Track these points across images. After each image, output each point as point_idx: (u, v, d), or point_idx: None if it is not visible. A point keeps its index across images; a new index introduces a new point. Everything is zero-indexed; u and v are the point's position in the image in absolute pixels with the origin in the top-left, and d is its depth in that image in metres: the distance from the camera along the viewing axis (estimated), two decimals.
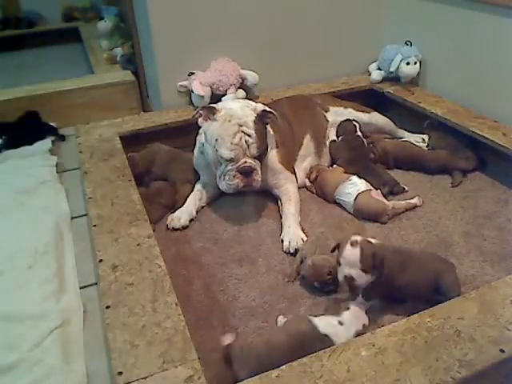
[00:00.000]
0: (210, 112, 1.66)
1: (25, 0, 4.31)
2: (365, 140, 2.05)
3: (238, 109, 1.66)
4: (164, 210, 1.80)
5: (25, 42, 4.12)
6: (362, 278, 1.24)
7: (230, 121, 1.61)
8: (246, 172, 1.61)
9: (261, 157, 1.67)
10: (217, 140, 1.62)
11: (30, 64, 3.68)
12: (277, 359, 1.08)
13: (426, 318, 1.13)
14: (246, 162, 1.60)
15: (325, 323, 1.19)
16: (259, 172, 1.64)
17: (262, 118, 1.66)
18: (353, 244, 1.25)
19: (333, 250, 1.32)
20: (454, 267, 1.39)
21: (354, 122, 2.09)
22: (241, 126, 1.60)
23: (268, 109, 1.69)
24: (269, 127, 1.80)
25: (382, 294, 1.32)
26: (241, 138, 1.59)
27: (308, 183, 1.94)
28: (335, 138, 2.10)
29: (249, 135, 1.60)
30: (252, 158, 1.62)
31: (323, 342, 1.14)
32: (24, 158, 2.07)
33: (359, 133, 2.06)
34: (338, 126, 2.10)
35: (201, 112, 1.68)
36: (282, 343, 1.16)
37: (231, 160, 1.61)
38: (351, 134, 2.04)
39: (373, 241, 1.32)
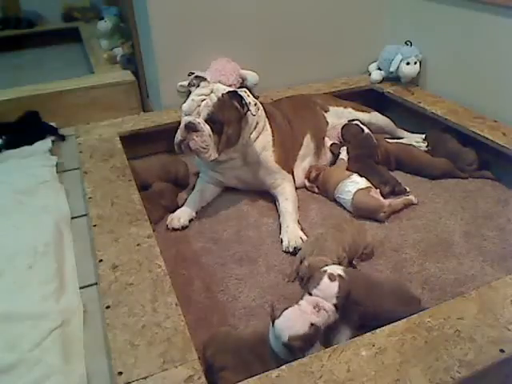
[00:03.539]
0: (200, 80, 1.72)
1: (25, 0, 4.31)
2: (373, 136, 2.04)
3: (221, 86, 1.72)
4: (164, 211, 1.80)
5: (25, 42, 4.12)
6: (332, 315, 1.16)
7: (207, 87, 1.68)
8: (189, 128, 1.62)
9: (219, 132, 1.64)
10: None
11: (30, 64, 3.68)
12: (243, 352, 1.13)
13: (425, 318, 1.13)
14: (194, 120, 1.62)
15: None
16: (205, 139, 1.61)
17: (232, 96, 1.66)
18: (331, 278, 1.20)
19: (306, 282, 1.24)
20: (417, 305, 1.29)
21: (356, 122, 2.08)
22: (212, 92, 1.65)
23: (247, 96, 1.65)
24: (267, 126, 1.81)
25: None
26: (203, 100, 1.63)
27: (307, 183, 1.94)
28: (335, 141, 2.10)
29: (211, 100, 1.63)
30: (206, 122, 1.61)
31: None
32: (24, 158, 2.08)
33: (366, 130, 2.05)
34: (342, 132, 2.08)
35: (194, 81, 1.74)
36: (247, 338, 1.18)
37: (184, 114, 1.65)
38: (359, 135, 2.04)
39: (339, 270, 1.27)
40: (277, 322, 1.12)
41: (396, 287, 1.35)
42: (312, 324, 1.11)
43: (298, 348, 1.08)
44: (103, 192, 1.67)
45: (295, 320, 1.12)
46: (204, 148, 1.62)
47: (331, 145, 2.09)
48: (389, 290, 1.31)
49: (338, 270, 1.27)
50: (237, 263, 1.56)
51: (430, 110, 2.17)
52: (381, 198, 1.73)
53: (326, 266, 1.30)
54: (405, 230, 1.68)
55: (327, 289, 1.18)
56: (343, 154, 2.01)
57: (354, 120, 2.11)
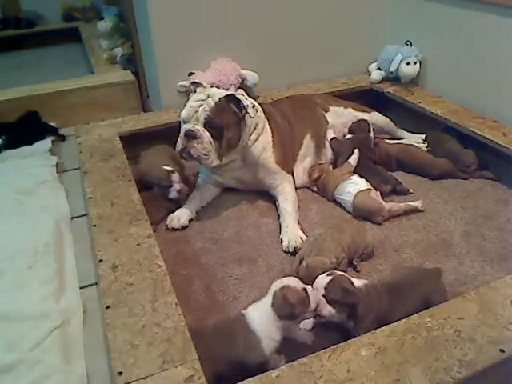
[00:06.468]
0: (197, 86, 1.72)
1: (25, 0, 4.30)
2: (372, 143, 2.05)
3: (217, 90, 1.72)
4: (167, 212, 1.79)
5: (25, 42, 4.11)
6: (330, 310, 1.21)
7: (203, 92, 1.68)
8: (189, 136, 1.62)
9: (219, 137, 1.64)
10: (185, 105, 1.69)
11: (30, 64, 3.68)
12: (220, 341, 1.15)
13: (425, 318, 1.13)
14: (193, 127, 1.62)
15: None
16: (206, 146, 1.62)
17: (229, 99, 1.66)
18: (329, 274, 1.25)
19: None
20: (439, 275, 1.36)
21: (369, 121, 2.10)
22: (208, 97, 1.65)
23: (244, 99, 1.65)
24: (267, 126, 1.81)
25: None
26: (200, 105, 1.63)
27: (308, 179, 1.94)
28: (334, 135, 2.11)
29: (208, 105, 1.63)
30: (205, 128, 1.62)
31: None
32: (24, 158, 2.07)
33: (371, 134, 2.06)
34: (352, 124, 2.10)
35: (191, 88, 1.74)
36: (221, 326, 1.20)
37: (183, 121, 1.66)
38: (364, 133, 2.05)
39: (357, 282, 1.27)
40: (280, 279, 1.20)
41: (415, 280, 1.35)
42: (304, 289, 1.17)
43: (289, 307, 1.13)
44: (103, 192, 1.67)
45: (293, 281, 1.20)
46: (205, 155, 1.63)
47: (331, 139, 2.09)
48: (411, 288, 1.31)
49: (359, 282, 1.27)
50: (237, 263, 1.56)
51: (430, 110, 2.17)
52: (382, 201, 1.73)
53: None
54: (405, 230, 1.68)
55: (319, 280, 1.25)
56: (353, 158, 1.92)
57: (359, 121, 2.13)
